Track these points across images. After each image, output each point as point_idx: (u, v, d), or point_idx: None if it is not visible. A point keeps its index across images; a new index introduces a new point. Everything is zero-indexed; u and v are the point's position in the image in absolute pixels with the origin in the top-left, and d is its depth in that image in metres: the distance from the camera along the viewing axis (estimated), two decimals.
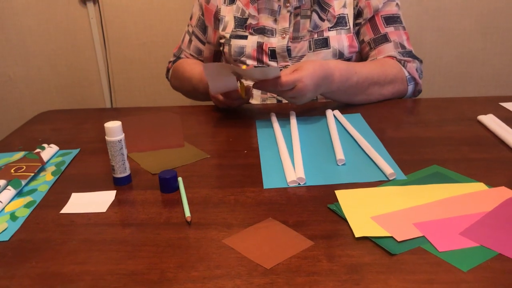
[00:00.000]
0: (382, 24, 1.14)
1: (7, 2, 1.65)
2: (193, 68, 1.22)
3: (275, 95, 1.16)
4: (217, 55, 1.32)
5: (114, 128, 0.75)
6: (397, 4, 1.16)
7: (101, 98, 1.78)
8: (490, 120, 0.94)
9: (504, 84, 1.65)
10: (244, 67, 1.03)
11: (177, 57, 1.33)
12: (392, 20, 1.15)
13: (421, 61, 1.18)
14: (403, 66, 1.12)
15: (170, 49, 1.40)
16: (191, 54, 1.31)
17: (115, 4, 1.64)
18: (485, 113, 0.98)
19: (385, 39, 1.14)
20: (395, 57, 1.13)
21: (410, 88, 1.14)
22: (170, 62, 1.34)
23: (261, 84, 0.94)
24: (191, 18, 1.29)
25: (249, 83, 1.04)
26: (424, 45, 1.62)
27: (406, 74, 1.12)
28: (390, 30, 1.14)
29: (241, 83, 1.00)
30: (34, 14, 1.67)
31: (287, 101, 1.10)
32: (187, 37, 1.31)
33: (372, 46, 1.16)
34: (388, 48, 1.14)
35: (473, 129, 0.93)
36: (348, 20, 1.15)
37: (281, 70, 0.94)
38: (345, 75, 1.01)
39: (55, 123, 1.10)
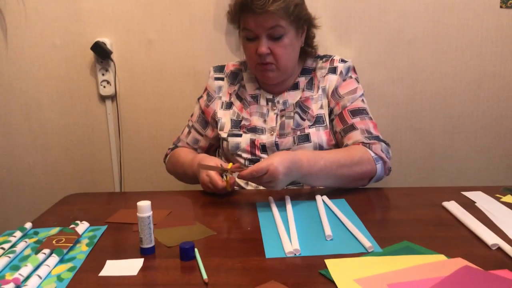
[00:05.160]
0: (349, 116, 1.36)
1: (34, 97, 1.88)
2: (186, 155, 1.43)
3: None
4: (211, 147, 1.55)
5: (145, 206, 0.92)
6: (362, 100, 1.39)
7: (111, 185, 1.95)
8: (452, 206, 1.13)
9: (465, 176, 1.88)
10: (230, 165, 1.23)
11: (175, 146, 1.55)
12: (357, 112, 1.36)
13: (387, 144, 1.34)
14: (369, 148, 1.29)
15: None
16: (187, 143, 1.54)
17: (130, 103, 1.88)
18: (449, 200, 1.16)
19: (352, 128, 1.34)
20: (362, 142, 1.31)
21: (379, 167, 1.27)
22: (169, 149, 1.56)
23: (241, 175, 1.12)
24: (192, 115, 1.55)
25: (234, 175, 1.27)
26: (399, 142, 1.85)
27: (372, 154, 1.27)
28: (356, 120, 1.35)
29: (226, 177, 1.21)
30: (57, 109, 1.89)
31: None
32: (186, 130, 1.55)
33: (342, 135, 1.36)
34: (356, 135, 1.33)
35: (438, 212, 1.11)
36: (325, 118, 1.38)
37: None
38: (312, 160, 1.18)
39: (81, 204, 1.26)
